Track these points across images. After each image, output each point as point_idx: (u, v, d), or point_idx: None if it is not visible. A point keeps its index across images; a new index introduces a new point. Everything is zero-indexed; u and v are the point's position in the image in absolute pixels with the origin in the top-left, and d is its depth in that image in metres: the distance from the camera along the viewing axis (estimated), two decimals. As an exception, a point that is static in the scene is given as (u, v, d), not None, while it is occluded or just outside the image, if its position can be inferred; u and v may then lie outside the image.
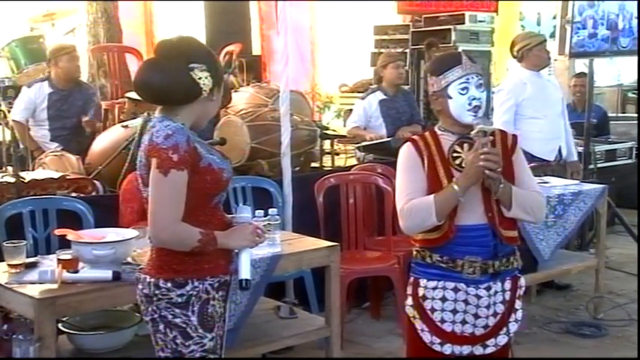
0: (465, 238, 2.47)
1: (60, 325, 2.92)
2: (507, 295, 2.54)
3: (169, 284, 2.23)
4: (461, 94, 2.48)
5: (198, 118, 2.33)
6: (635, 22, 5.42)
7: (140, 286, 2.29)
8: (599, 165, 6.11)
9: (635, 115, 8.64)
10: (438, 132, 2.57)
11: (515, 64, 5.02)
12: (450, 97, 2.50)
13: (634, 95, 9.48)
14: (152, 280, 2.25)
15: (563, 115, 5.02)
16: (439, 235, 2.49)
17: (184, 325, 2.24)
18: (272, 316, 3.54)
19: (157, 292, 2.24)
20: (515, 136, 2.63)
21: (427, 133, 2.60)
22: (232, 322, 3.00)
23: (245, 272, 2.30)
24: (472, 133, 2.46)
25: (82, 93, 5.24)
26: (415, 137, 2.61)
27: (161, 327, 2.26)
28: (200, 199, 2.25)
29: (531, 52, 4.86)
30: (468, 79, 2.48)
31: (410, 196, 2.50)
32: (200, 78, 2.22)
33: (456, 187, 2.44)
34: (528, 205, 2.51)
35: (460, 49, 6.79)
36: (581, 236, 5.56)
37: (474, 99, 2.48)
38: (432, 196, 2.47)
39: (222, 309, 2.34)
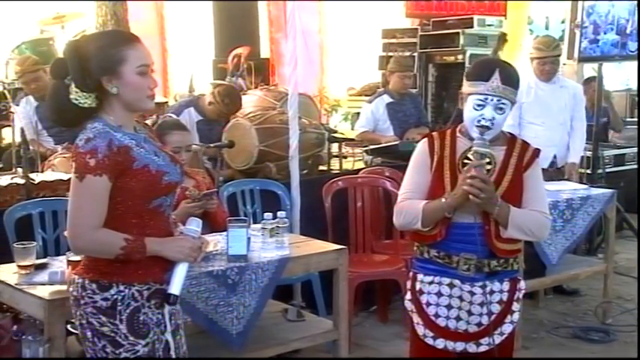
0: (461, 236, 2.48)
1: (69, 327, 2.93)
2: (505, 296, 2.54)
3: (94, 285, 2.13)
4: (475, 108, 2.47)
5: (126, 110, 2.16)
6: (645, 26, 5.40)
7: (70, 288, 2.21)
8: (607, 170, 6.07)
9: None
10: (458, 134, 2.57)
11: (525, 68, 5.00)
12: (467, 106, 2.51)
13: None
14: (80, 280, 2.16)
15: (581, 120, 4.94)
16: (430, 233, 2.50)
17: (113, 334, 2.13)
18: (280, 319, 3.53)
19: (83, 294, 2.14)
20: (535, 151, 2.58)
21: (449, 132, 2.60)
22: (241, 324, 3.01)
23: (175, 287, 2.17)
24: (469, 153, 2.47)
25: None
26: (434, 134, 2.61)
27: (89, 334, 2.16)
28: (134, 201, 2.13)
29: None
30: (486, 98, 2.45)
31: (407, 195, 2.55)
32: (76, 99, 2.11)
33: (444, 201, 2.45)
34: (527, 226, 2.48)
35: (468, 53, 6.82)
36: (589, 241, 5.55)
37: (483, 118, 2.45)
38: (422, 202, 2.48)
39: (160, 315, 2.20)
